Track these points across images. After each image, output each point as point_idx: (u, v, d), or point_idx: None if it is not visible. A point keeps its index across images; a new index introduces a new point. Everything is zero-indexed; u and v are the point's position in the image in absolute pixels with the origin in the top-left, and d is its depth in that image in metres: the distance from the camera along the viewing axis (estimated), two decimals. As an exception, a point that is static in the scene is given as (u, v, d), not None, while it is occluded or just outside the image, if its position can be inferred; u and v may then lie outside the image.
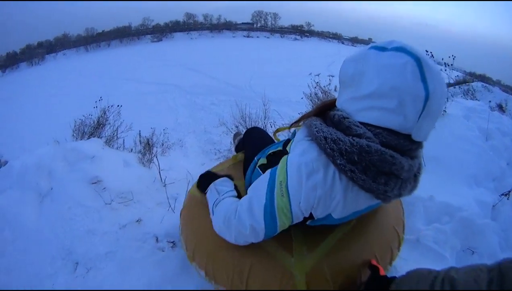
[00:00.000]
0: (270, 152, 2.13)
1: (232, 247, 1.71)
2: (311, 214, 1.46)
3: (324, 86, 7.13)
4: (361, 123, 1.33)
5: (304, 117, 1.67)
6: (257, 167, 2.13)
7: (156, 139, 6.16)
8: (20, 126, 17.01)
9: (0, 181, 3.85)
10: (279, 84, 23.61)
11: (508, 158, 4.50)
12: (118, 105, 5.93)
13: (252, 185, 1.61)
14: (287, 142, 2.09)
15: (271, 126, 8.81)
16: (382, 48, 1.31)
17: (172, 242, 2.95)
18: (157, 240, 3.01)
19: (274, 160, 1.98)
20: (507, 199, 3.63)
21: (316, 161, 1.35)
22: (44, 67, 39.96)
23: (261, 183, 1.53)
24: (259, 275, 1.68)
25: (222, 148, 9.29)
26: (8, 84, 33.36)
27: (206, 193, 2.02)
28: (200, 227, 2.04)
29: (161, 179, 4.34)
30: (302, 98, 9.38)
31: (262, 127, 8.96)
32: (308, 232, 1.76)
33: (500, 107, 15.99)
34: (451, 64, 6.24)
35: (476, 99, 9.84)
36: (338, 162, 1.29)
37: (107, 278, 2.71)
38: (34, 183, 3.63)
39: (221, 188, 1.91)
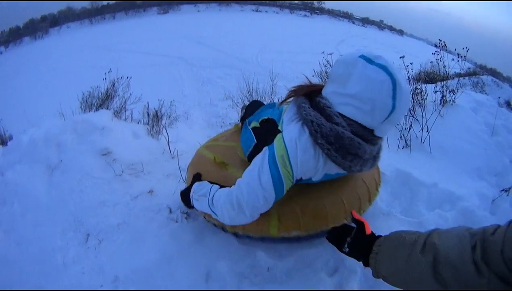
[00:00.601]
0: (263, 118, 2.45)
1: None
2: None
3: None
4: (339, 113, 1.72)
5: (292, 94, 1.98)
6: (249, 128, 2.53)
7: (165, 111, 6.15)
8: (25, 101, 16.65)
9: (9, 155, 3.86)
10: (287, 60, 23.59)
11: (511, 155, 4.56)
12: (127, 77, 5.87)
13: (252, 163, 1.88)
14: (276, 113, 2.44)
15: (278, 101, 8.79)
16: (369, 60, 1.63)
17: (185, 213, 2.93)
18: (170, 211, 2.99)
19: (266, 126, 2.35)
20: (507, 195, 3.69)
21: (308, 141, 1.73)
22: (48, 41, 39.56)
23: (264, 160, 1.81)
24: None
25: (227, 121, 9.02)
26: (12, 59, 32.73)
27: (193, 207, 2.26)
28: (203, 179, 2.36)
29: (170, 151, 4.33)
30: (313, 75, 9.32)
31: (269, 102, 9.01)
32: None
33: (508, 104, 15.97)
34: (465, 56, 6.22)
35: (485, 93, 9.85)
36: (319, 141, 1.70)
37: (120, 249, 2.69)
38: (43, 156, 3.62)
39: (202, 191, 2.11)
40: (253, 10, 70.38)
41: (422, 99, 4.97)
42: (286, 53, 26.25)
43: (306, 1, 77.22)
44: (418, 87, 5.13)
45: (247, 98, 9.25)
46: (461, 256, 1.13)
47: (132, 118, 5.46)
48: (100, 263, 2.62)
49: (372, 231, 1.66)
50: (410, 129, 4.43)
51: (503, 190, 3.72)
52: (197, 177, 2.42)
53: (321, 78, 7.23)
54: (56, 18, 57.95)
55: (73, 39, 34.26)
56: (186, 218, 2.90)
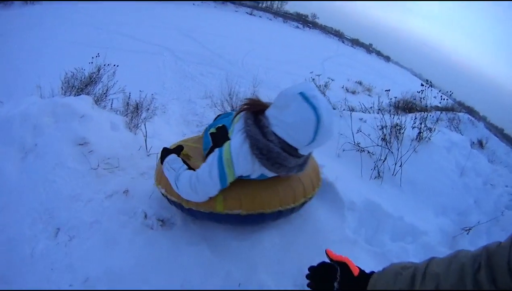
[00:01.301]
0: (219, 125, 2.91)
1: None
2: None
3: (320, 85, 7.18)
4: (274, 133, 2.19)
5: (244, 108, 2.44)
6: (208, 133, 2.98)
7: (145, 104, 6.18)
8: (6, 68, 16.29)
9: (-18, 131, 3.76)
10: (272, 68, 23.76)
11: (476, 196, 4.83)
12: (114, 65, 5.83)
13: (207, 160, 2.44)
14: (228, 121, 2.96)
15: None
16: (306, 98, 2.03)
17: (161, 221, 2.97)
18: (145, 216, 3.01)
19: (220, 132, 2.79)
20: (467, 233, 3.96)
21: (248, 150, 2.27)
22: (40, 9, 38.63)
23: (214, 159, 2.36)
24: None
25: (204, 121, 9.34)
26: (-2, 21, 32.17)
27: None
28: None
29: (146, 148, 4.39)
30: None
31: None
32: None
33: (480, 143, 16.56)
34: (446, 99, 6.55)
35: (460, 132, 10.20)
36: (255, 152, 2.23)
37: (91, 250, 2.67)
38: (18, 137, 3.57)
39: (174, 165, 2.63)
40: (247, 13, 70.27)
41: (399, 133, 5.15)
42: (272, 61, 26.40)
43: (300, 13, 77.77)
44: (398, 123, 5.27)
45: (226, 100, 9.35)
46: (463, 281, 1.13)
47: (112, 106, 5.45)
48: (70, 261, 2.60)
49: (360, 269, 1.56)
50: (384, 161, 4.62)
51: (464, 229, 4.00)
52: (179, 149, 2.91)
53: None
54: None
55: (65, 12, 33.47)
56: (161, 225, 2.95)
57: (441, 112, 17.91)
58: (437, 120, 6.38)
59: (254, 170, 2.41)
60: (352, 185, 3.95)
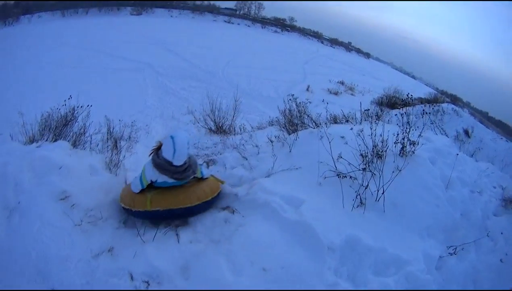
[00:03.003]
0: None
1: (131, 194, 3.84)
2: (152, 182, 3.85)
3: (300, 102, 7.18)
4: (162, 155, 3.65)
5: (154, 150, 3.86)
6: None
7: (124, 130, 6.21)
8: None
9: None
10: (253, 76, 23.86)
11: (463, 208, 4.81)
12: (88, 105, 5.72)
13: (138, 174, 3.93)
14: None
15: (241, 130, 9.17)
16: (171, 137, 3.55)
17: (147, 282, 3.05)
18: (131, 277, 3.09)
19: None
20: (454, 252, 4.06)
21: (152, 166, 3.71)
22: (19, 29, 38.11)
23: (140, 173, 3.86)
24: (138, 198, 3.79)
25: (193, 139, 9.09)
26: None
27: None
28: (125, 190, 4.03)
29: None
30: (274, 120, 9.59)
31: (231, 121, 9.43)
32: (157, 188, 3.93)
33: (466, 133, 16.89)
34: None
35: (445, 133, 10.09)
36: (155, 166, 3.69)
37: None
38: (1, 195, 3.60)
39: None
40: (225, 21, 70.56)
41: (382, 151, 4.98)
42: (253, 69, 26.56)
43: (278, 17, 78.12)
44: (378, 145, 5.06)
45: (209, 116, 9.41)
46: None
47: (91, 143, 5.44)
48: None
49: None
50: (366, 188, 4.43)
51: (450, 248, 4.10)
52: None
53: (284, 115, 7.39)
54: (29, 6, 55.37)
55: (43, 32, 33.15)
56: (147, 287, 3.04)
57: (424, 105, 18.14)
58: (422, 115, 6.42)
59: (157, 176, 3.78)
60: (333, 222, 3.94)
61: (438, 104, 21.76)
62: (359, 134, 5.05)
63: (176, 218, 3.82)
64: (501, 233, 4.64)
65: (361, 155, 4.92)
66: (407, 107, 5.69)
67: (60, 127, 5.36)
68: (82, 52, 23.71)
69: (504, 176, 6.88)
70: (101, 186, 4.22)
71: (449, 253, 4.05)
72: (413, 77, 77.03)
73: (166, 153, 3.55)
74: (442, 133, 9.17)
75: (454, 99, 37.59)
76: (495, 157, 14.06)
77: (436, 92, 42.29)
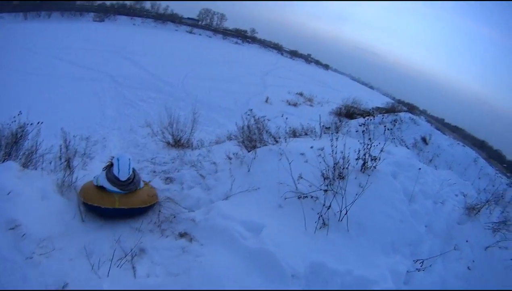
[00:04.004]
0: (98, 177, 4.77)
1: (100, 194, 4.44)
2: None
3: (258, 118, 7.11)
4: (112, 171, 4.48)
5: (107, 166, 4.64)
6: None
7: (80, 145, 6.09)
8: None
9: None
10: (213, 88, 23.83)
11: (427, 221, 4.95)
12: (38, 123, 5.43)
13: (98, 176, 4.64)
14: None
15: (199, 145, 9.20)
16: (117, 159, 4.53)
17: None
18: None
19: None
20: (421, 266, 4.14)
21: (105, 177, 4.49)
22: None
23: (98, 176, 4.62)
24: (107, 198, 4.41)
25: (145, 154, 8.98)
26: None
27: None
28: (89, 190, 4.56)
29: (80, 215, 4.34)
30: (232, 135, 9.75)
31: (189, 135, 9.45)
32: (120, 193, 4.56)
33: (424, 140, 17.61)
34: None
35: (405, 144, 10.32)
36: (107, 179, 4.47)
37: None
38: None
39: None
40: (187, 31, 70.29)
41: (344, 168, 4.97)
42: (213, 80, 26.56)
43: (239, 29, 78.60)
44: (340, 163, 5.03)
45: (167, 130, 9.41)
46: None
47: (42, 163, 5.22)
48: None
49: None
50: (329, 208, 4.39)
51: (417, 261, 4.21)
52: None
53: (243, 131, 7.39)
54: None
55: (2, 34, 32.03)
56: None
57: (383, 116, 18.72)
58: (384, 131, 5.97)
59: (108, 185, 4.48)
60: (296, 247, 3.92)
61: (396, 113, 22.60)
62: (320, 155, 5.03)
63: (132, 216, 4.55)
64: (466, 241, 4.81)
65: (323, 175, 4.93)
66: (367, 118, 5.60)
67: (11, 144, 5.12)
68: (40, 58, 22.92)
69: (465, 183, 7.14)
70: (53, 212, 4.05)
71: (417, 269, 4.10)
72: (371, 87, 78.86)
73: (114, 171, 4.46)
74: (401, 145, 9.45)
75: (411, 108, 38.91)
76: (453, 161, 14.69)
77: (393, 101, 43.67)
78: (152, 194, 4.81)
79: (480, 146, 51.39)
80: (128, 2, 72.55)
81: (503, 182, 16.30)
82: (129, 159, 4.63)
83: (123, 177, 4.46)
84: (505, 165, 39.38)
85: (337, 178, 4.90)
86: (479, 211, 5.51)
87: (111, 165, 4.55)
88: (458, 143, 23.46)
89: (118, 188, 4.46)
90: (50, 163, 5.37)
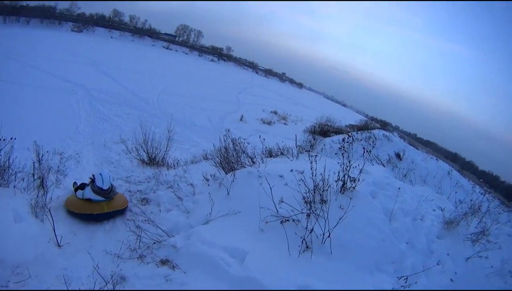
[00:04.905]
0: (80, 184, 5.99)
1: (87, 205, 5.40)
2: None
3: (236, 140, 7.06)
4: (96, 184, 5.51)
5: (91, 181, 5.64)
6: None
7: (53, 160, 6.03)
8: None
9: None
10: (188, 105, 23.79)
11: (408, 238, 4.98)
12: (11, 138, 5.00)
13: (84, 191, 5.55)
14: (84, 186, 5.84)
15: (175, 164, 9.18)
16: (100, 174, 5.57)
17: None
18: None
19: (80, 185, 5.91)
20: (405, 282, 4.16)
21: (92, 192, 5.49)
22: None
23: (82, 192, 5.54)
24: (96, 207, 5.40)
25: (119, 172, 8.65)
26: None
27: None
28: (75, 202, 5.44)
29: (56, 239, 4.24)
30: (208, 154, 9.74)
31: (163, 152, 9.31)
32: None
33: (398, 156, 17.94)
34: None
35: (380, 162, 10.43)
36: (94, 192, 5.49)
37: None
38: None
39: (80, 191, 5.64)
40: (164, 47, 70.33)
41: (323, 191, 4.96)
42: (188, 97, 26.53)
43: (215, 46, 79.13)
44: (320, 185, 5.04)
45: (142, 147, 9.31)
46: None
47: (15, 180, 4.98)
48: None
49: None
50: (311, 232, 4.41)
51: (400, 278, 4.23)
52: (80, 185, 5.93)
53: (220, 153, 7.37)
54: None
55: None
56: None
57: (356, 132, 19.01)
58: (363, 154, 5.71)
59: (94, 196, 5.44)
60: (281, 272, 3.94)
61: (369, 131, 23.01)
62: (301, 179, 5.07)
63: (115, 216, 5.56)
64: (447, 254, 4.95)
65: (304, 200, 4.91)
66: (344, 138, 5.53)
67: None
68: (16, 65, 22.30)
69: (441, 197, 7.25)
70: (27, 236, 3.91)
71: (402, 286, 4.12)
72: (344, 105, 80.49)
73: (98, 183, 5.48)
74: (377, 162, 9.58)
75: (384, 125, 39.47)
76: (427, 175, 14.95)
77: (366, 118, 44.42)
78: (125, 199, 5.91)
79: (452, 158, 52.74)
80: (108, 14, 72.28)
81: (476, 191, 16.78)
82: (108, 172, 5.75)
83: (106, 186, 5.51)
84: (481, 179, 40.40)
85: (319, 202, 4.90)
86: (458, 224, 5.66)
87: (93, 180, 5.57)
88: (432, 158, 23.89)
89: (102, 196, 5.49)
90: (23, 179, 5.19)
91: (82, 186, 5.81)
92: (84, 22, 65.00)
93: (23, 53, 27.21)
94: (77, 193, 5.63)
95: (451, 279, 4.58)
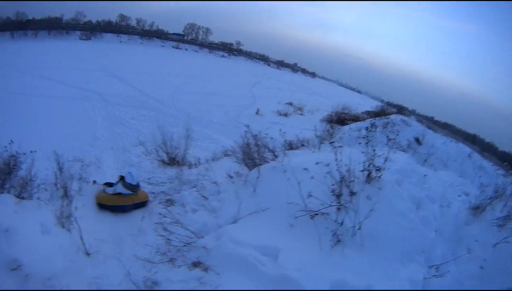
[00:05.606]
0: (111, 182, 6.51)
1: (117, 198, 5.94)
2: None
3: (257, 135, 6.86)
4: (126, 181, 6.01)
5: (120, 177, 6.20)
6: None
7: (74, 168, 6.00)
8: None
9: None
10: (202, 102, 23.89)
11: (436, 226, 4.82)
12: (31, 151, 5.13)
13: (115, 187, 6.10)
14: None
15: (196, 163, 9.11)
16: (129, 172, 6.13)
17: None
18: None
19: (110, 183, 6.42)
20: (436, 271, 4.06)
21: (123, 187, 5.99)
22: None
23: (114, 188, 6.07)
24: (124, 199, 5.93)
25: (141, 174, 8.20)
26: None
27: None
28: (105, 197, 5.97)
29: (84, 247, 4.19)
30: (228, 150, 9.59)
31: (183, 152, 9.25)
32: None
33: (417, 141, 17.63)
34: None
35: (402, 148, 10.16)
36: (124, 187, 5.98)
37: None
38: None
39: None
40: (173, 47, 70.46)
41: (350, 181, 4.73)
42: (202, 95, 26.54)
43: (225, 42, 78.99)
44: (346, 176, 4.78)
45: (161, 148, 9.25)
46: None
47: (38, 191, 5.03)
48: None
49: None
50: (341, 224, 4.30)
51: (431, 267, 4.12)
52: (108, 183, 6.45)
53: (243, 150, 7.17)
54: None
55: None
56: None
57: (374, 119, 18.76)
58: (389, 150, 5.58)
59: (124, 190, 5.91)
60: (315, 268, 3.83)
61: (387, 116, 22.61)
62: (327, 172, 4.87)
63: (141, 206, 6.09)
64: (476, 241, 4.76)
65: (332, 192, 4.73)
66: (361, 124, 5.35)
67: (4, 175, 4.90)
68: (27, 77, 22.74)
69: (465, 182, 7.12)
70: (56, 247, 3.86)
71: (434, 275, 4.03)
72: (359, 92, 79.61)
73: (128, 180, 5.99)
74: (398, 149, 9.37)
75: (400, 109, 38.70)
76: (448, 159, 14.72)
77: (382, 104, 43.77)
78: (146, 193, 6.41)
79: (472, 140, 51.57)
80: (114, 20, 72.73)
81: (500, 173, 16.37)
82: (135, 171, 6.44)
83: (135, 182, 6.06)
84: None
85: (349, 194, 4.68)
86: (484, 209, 5.46)
87: (122, 178, 6.11)
88: (451, 141, 23.51)
89: (130, 190, 6.01)
90: (46, 190, 5.19)
91: (110, 184, 6.36)
92: (92, 30, 65.65)
93: (34, 66, 27.58)
94: (106, 189, 6.17)
95: (481, 267, 4.39)
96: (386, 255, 4.22)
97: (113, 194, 6.03)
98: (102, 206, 5.97)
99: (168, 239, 4.54)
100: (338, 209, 4.48)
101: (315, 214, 4.63)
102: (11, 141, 5.03)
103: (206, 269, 3.88)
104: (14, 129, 5.32)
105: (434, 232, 4.73)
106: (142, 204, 6.19)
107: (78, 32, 63.15)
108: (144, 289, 3.58)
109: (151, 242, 4.65)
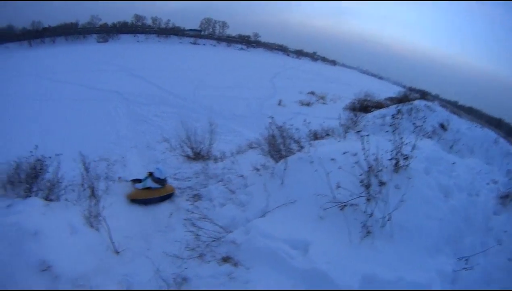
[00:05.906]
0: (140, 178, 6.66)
1: (146, 192, 6.29)
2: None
3: (282, 126, 6.68)
4: (155, 175, 6.28)
5: (148, 173, 6.48)
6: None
7: (100, 167, 6.02)
8: None
9: None
10: (224, 96, 23.73)
11: (464, 215, 4.68)
12: (56, 155, 5.28)
13: (144, 182, 6.41)
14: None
15: (221, 156, 9.03)
16: (158, 168, 6.46)
17: None
18: None
19: (138, 180, 6.68)
20: (466, 263, 3.90)
21: (152, 182, 6.31)
22: None
23: (143, 183, 6.36)
24: (153, 192, 6.31)
25: (167, 169, 8.34)
26: None
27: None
28: (136, 193, 6.26)
29: (113, 245, 4.17)
30: (253, 143, 9.49)
31: (207, 146, 9.24)
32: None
33: (442, 127, 17.14)
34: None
35: (428, 135, 9.85)
36: (153, 181, 6.29)
37: None
38: None
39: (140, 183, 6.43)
40: (191, 43, 70.61)
41: (379, 171, 4.66)
42: (223, 89, 26.43)
43: (242, 34, 78.84)
44: (374, 166, 4.68)
45: (185, 143, 9.19)
46: None
47: (65, 192, 5.14)
48: None
49: None
50: (371, 216, 4.23)
51: (461, 259, 3.99)
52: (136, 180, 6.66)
53: (268, 142, 7.06)
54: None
55: (10, 63, 32.30)
56: None
57: (398, 106, 18.38)
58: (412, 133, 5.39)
59: (153, 184, 6.20)
60: (345, 261, 3.79)
61: (410, 102, 22.09)
62: (355, 161, 4.72)
63: (166, 199, 6.43)
64: (505, 232, 4.59)
65: (362, 183, 4.59)
66: (385, 111, 5.23)
67: (31, 179, 5.00)
68: (47, 83, 23.12)
69: (492, 169, 6.91)
70: (84, 247, 3.90)
71: (464, 268, 3.90)
72: (380, 78, 78.33)
73: (157, 174, 6.25)
74: (424, 136, 9.11)
75: (423, 95, 37.78)
76: (474, 145, 14.32)
77: (404, 90, 42.91)
78: (171, 186, 6.70)
79: (497, 124, 50.30)
80: (130, 20, 73.28)
81: None
82: (163, 167, 6.74)
83: (163, 176, 6.34)
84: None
85: (378, 184, 4.58)
86: None
87: (151, 174, 6.38)
88: (476, 126, 22.85)
89: (159, 184, 6.31)
90: (73, 190, 5.25)
91: (137, 181, 6.66)
92: (108, 32, 66.08)
93: (53, 71, 28.06)
94: (136, 185, 6.51)
95: (509, 259, 4.17)
96: (415, 246, 4.14)
97: (143, 189, 6.39)
98: (134, 200, 6.25)
99: (197, 235, 4.50)
100: (368, 199, 4.39)
101: (344, 206, 4.54)
102: (36, 146, 5.12)
103: (235, 264, 3.85)
104: (38, 134, 5.39)
105: (463, 222, 4.62)
106: (169, 196, 6.55)
107: (95, 36, 63.61)
108: (174, 285, 3.56)
109: (179, 238, 4.62)
